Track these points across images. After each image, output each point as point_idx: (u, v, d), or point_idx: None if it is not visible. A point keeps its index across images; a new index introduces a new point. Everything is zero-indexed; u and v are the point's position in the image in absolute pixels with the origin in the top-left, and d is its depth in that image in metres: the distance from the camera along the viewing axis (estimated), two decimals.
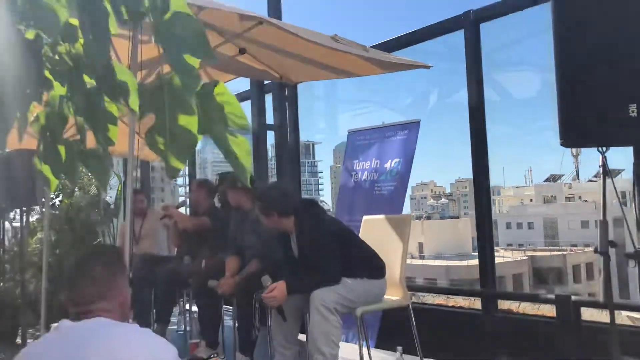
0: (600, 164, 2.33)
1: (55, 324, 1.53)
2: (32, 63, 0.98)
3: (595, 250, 2.29)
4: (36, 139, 1.46)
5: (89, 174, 6.56)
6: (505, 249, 45.92)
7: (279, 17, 5.54)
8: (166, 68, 1.15)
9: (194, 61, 1.07)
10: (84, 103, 1.13)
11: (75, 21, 1.07)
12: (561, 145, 2.20)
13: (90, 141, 1.31)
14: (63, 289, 1.56)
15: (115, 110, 1.19)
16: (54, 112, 1.23)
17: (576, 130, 2.18)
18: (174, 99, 1.08)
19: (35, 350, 1.48)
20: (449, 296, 4.87)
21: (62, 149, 1.25)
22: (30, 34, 1.04)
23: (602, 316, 3.64)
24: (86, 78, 1.15)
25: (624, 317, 3.75)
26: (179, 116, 1.07)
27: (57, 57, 1.10)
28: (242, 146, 1.19)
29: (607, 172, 2.31)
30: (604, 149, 2.29)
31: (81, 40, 1.08)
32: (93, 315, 1.49)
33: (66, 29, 1.01)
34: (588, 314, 3.66)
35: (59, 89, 1.20)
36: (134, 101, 1.11)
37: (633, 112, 2.02)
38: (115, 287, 1.58)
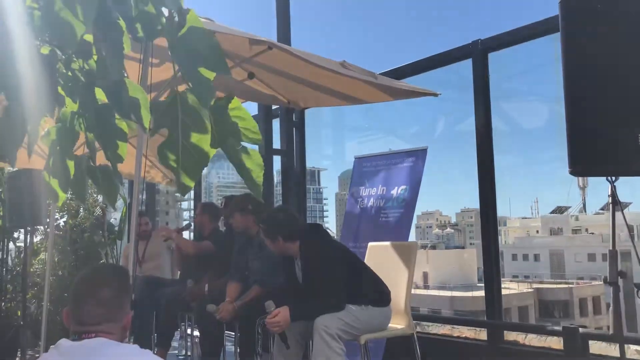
0: (610, 193, 2.31)
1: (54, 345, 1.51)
2: (46, 78, 0.98)
3: (605, 281, 2.26)
4: (43, 158, 1.46)
5: (94, 194, 6.58)
6: (511, 281, 45.48)
7: (288, 43, 5.60)
8: (180, 86, 1.16)
9: (209, 74, 1.07)
10: (95, 119, 1.13)
11: (89, 37, 1.08)
12: (570, 174, 2.19)
13: (100, 158, 1.31)
14: (68, 306, 1.54)
15: (125, 127, 1.20)
16: (65, 128, 1.23)
17: (585, 160, 2.17)
18: (188, 116, 1.08)
19: None
20: (454, 326, 4.79)
21: (71, 164, 1.25)
22: (45, 50, 1.05)
23: (610, 350, 3.57)
24: (98, 94, 1.15)
25: (632, 351, 3.67)
26: (191, 133, 1.07)
27: (70, 73, 1.11)
28: (255, 160, 1.19)
29: (616, 202, 2.29)
30: (613, 178, 2.27)
31: (95, 57, 1.09)
32: (95, 336, 1.47)
33: (81, 45, 1.02)
34: (596, 347, 3.59)
35: (70, 105, 1.21)
36: (144, 118, 1.11)
37: None
38: (121, 311, 1.56)
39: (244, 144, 1.20)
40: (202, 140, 1.08)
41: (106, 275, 1.61)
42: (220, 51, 1.10)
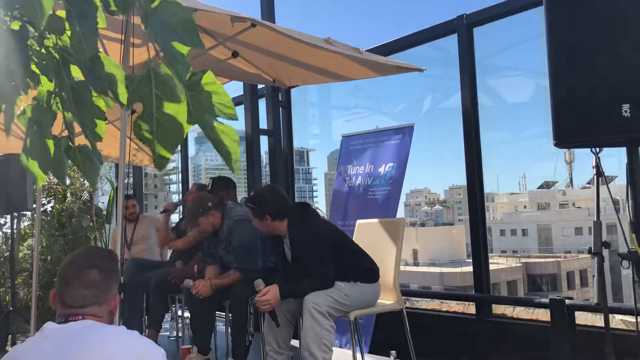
0: (594, 164, 2.32)
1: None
2: (18, 54, 0.96)
3: (589, 251, 2.28)
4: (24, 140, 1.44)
5: (81, 179, 6.53)
6: (499, 256, 46.05)
7: (272, 21, 5.54)
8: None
9: (183, 49, 1.05)
10: (71, 97, 1.11)
11: (62, 13, 1.05)
12: (555, 145, 2.20)
13: (80, 138, 1.29)
14: (55, 288, 1.53)
15: (102, 105, 1.18)
16: (41, 107, 1.21)
17: (570, 131, 2.17)
18: (161, 87, 1.06)
19: (19, 353, 1.44)
20: (443, 301, 4.85)
21: (50, 144, 1.23)
22: (15, 25, 1.03)
23: (597, 320, 3.63)
24: (74, 72, 1.13)
25: (617, 321, 3.73)
26: (166, 104, 1.05)
27: (43, 50, 1.09)
28: (231, 136, 1.18)
29: (600, 173, 2.31)
30: (598, 149, 2.28)
31: (68, 32, 1.07)
32: (82, 319, 1.47)
33: (53, 21, 1.00)
34: (582, 318, 3.65)
35: (46, 84, 1.18)
36: (122, 94, 1.09)
37: (626, 112, 2.02)
38: (109, 294, 1.55)
39: (219, 119, 1.19)
40: (177, 111, 1.06)
41: (94, 257, 1.59)
42: (193, 25, 1.07)
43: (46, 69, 1.11)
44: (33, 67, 1.11)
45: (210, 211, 3.84)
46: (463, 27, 4.13)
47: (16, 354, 1.43)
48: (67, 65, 1.11)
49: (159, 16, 1.02)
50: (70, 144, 1.29)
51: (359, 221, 3.99)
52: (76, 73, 1.14)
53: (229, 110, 1.19)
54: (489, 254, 4.29)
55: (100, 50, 1.10)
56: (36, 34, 1.05)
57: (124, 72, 1.09)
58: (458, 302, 4.66)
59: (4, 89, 0.97)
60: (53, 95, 1.21)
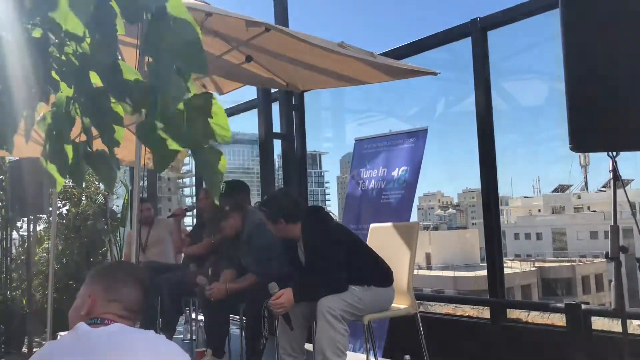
0: (610, 168, 2.30)
1: (62, 333, 1.53)
2: (39, 62, 0.97)
3: (606, 256, 2.25)
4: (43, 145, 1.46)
5: (96, 182, 6.59)
6: (513, 260, 45.64)
7: (286, 25, 5.56)
8: None
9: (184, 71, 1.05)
10: (90, 103, 1.13)
11: None
12: (571, 149, 2.18)
13: (98, 143, 1.31)
14: (88, 286, 1.58)
15: (120, 111, 1.19)
16: (61, 113, 1.23)
17: (586, 135, 2.15)
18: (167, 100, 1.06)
19: (53, 351, 1.47)
20: (457, 305, 4.82)
21: (68, 149, 1.25)
22: (37, 33, 1.04)
23: (613, 325, 3.59)
24: (93, 78, 1.15)
25: (634, 326, 3.69)
26: (169, 118, 1.05)
27: (63, 57, 1.11)
28: (216, 157, 1.18)
29: (617, 177, 2.28)
30: (614, 153, 2.26)
31: (88, 40, 1.08)
32: (113, 322, 1.51)
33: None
34: (599, 323, 3.61)
35: (65, 90, 1.20)
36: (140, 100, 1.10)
37: None
38: (138, 300, 1.64)
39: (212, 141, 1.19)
40: (178, 124, 1.06)
41: (136, 273, 1.71)
42: (200, 47, 1.07)
43: (66, 76, 1.13)
44: (53, 73, 1.12)
45: (229, 215, 3.87)
46: (477, 31, 4.12)
47: (51, 351, 1.46)
48: (87, 72, 1.13)
49: (164, 34, 1.02)
50: (89, 149, 1.30)
51: (372, 225, 3.98)
52: (95, 79, 1.15)
53: (223, 132, 1.19)
54: (503, 258, 4.26)
55: (119, 57, 1.12)
56: (56, 41, 1.07)
57: (142, 79, 1.10)
58: (472, 306, 4.63)
59: (26, 96, 0.99)
60: (72, 101, 1.23)
